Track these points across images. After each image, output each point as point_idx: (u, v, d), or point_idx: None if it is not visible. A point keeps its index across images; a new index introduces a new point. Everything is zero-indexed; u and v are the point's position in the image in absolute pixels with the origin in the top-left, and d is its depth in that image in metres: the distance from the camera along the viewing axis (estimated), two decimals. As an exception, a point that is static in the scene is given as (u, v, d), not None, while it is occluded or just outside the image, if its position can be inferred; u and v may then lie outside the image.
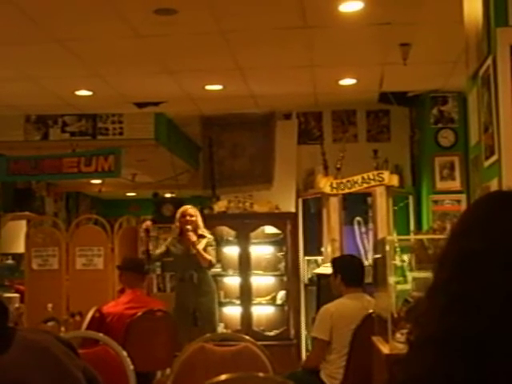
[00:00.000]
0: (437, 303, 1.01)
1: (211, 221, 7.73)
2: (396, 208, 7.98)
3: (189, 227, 6.83)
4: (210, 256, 6.83)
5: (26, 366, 1.11)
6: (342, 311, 5.00)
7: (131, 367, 3.44)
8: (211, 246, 6.95)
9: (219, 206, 8.48)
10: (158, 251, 7.26)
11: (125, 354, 3.50)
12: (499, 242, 0.99)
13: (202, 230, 6.98)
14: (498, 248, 0.99)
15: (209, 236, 6.99)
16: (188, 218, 6.92)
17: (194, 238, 6.79)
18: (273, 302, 8.40)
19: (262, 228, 8.51)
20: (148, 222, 7.57)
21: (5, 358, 1.11)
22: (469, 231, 1.06)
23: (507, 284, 0.96)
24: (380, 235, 7.26)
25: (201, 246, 6.82)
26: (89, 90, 7.96)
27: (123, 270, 6.00)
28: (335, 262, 5.56)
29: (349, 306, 5.04)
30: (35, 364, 1.11)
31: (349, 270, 5.28)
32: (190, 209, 7.04)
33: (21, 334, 1.17)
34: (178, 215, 7.05)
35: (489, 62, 3.42)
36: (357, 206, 8.03)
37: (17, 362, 1.10)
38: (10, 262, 10.67)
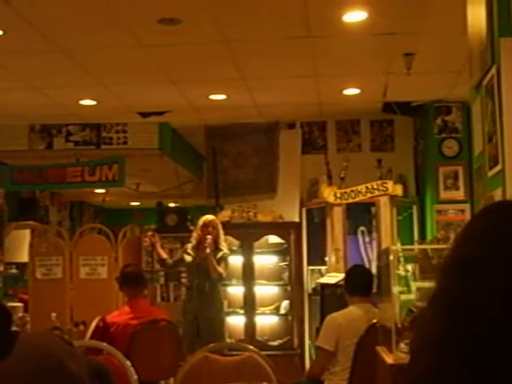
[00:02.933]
0: (437, 310, 1.03)
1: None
2: (400, 218, 7.96)
3: (209, 237, 6.80)
4: (221, 270, 6.82)
5: (29, 370, 1.10)
6: (349, 323, 4.92)
7: (135, 377, 3.44)
8: (225, 260, 6.95)
9: (223, 216, 8.47)
10: (174, 259, 7.26)
11: (128, 363, 3.50)
12: (498, 250, 1.02)
13: (221, 244, 6.97)
14: (496, 255, 1.01)
15: (226, 251, 6.99)
16: (210, 228, 6.90)
17: (209, 249, 6.74)
18: (276, 311, 8.39)
19: (265, 237, 8.51)
20: (149, 233, 7.55)
21: (7, 362, 1.11)
22: (470, 240, 1.09)
23: (504, 289, 0.98)
24: (384, 245, 7.25)
25: (216, 257, 6.81)
26: (93, 99, 7.97)
27: (122, 285, 5.99)
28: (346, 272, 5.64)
29: (356, 318, 4.95)
30: (38, 368, 1.11)
31: (351, 279, 5.27)
32: (212, 220, 7.02)
33: (24, 339, 1.17)
34: (200, 223, 7.03)
35: (493, 71, 3.43)
36: (361, 215, 8.02)
37: (19, 367, 1.10)
38: (13, 271, 10.66)
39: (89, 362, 1.21)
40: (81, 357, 1.21)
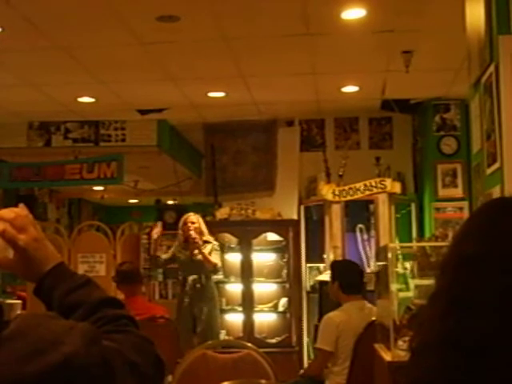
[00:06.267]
0: (437, 308, 1.02)
1: (213, 228, 7.74)
2: (398, 215, 7.97)
3: (192, 232, 6.92)
4: (215, 260, 6.92)
5: (18, 361, 1.09)
6: (347, 322, 4.87)
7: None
8: (216, 251, 7.06)
9: (221, 213, 8.48)
10: (164, 257, 7.30)
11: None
12: (498, 246, 1.01)
13: (207, 237, 7.10)
14: (496, 251, 1.01)
15: (213, 242, 7.12)
16: (190, 225, 7.03)
17: (199, 241, 6.90)
18: (275, 309, 8.39)
19: (264, 235, 8.51)
20: (159, 228, 7.54)
21: None
22: (469, 236, 1.08)
23: (505, 287, 0.97)
24: (382, 242, 7.26)
25: (206, 251, 6.92)
26: (91, 96, 7.97)
27: (118, 283, 6.01)
28: (334, 267, 5.43)
29: (353, 317, 4.89)
30: (27, 356, 1.10)
31: (347, 277, 5.10)
32: (191, 216, 7.16)
33: (14, 326, 1.16)
34: (180, 223, 7.19)
35: (491, 69, 3.43)
36: (359, 213, 8.03)
37: (9, 358, 1.09)
38: (12, 268, 10.63)
39: (82, 331, 1.19)
40: (74, 328, 1.19)
